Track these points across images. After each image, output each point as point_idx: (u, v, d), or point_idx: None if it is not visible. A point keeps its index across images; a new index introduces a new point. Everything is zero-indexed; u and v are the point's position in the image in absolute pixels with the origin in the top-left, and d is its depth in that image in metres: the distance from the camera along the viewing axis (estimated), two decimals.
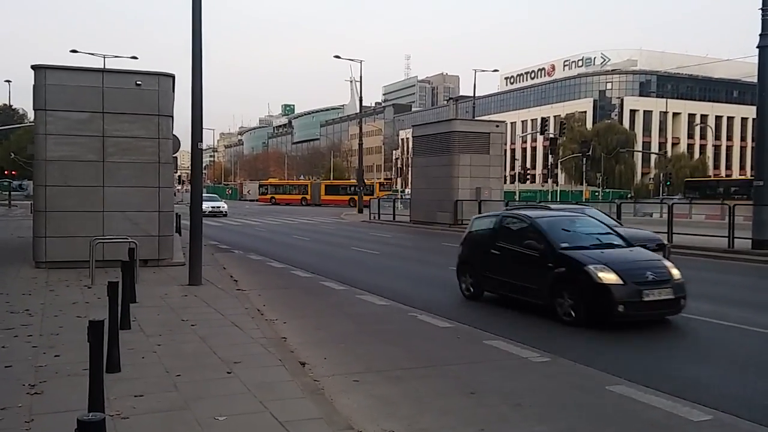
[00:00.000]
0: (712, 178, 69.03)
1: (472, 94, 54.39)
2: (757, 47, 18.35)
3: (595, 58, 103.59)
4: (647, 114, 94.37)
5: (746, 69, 76.38)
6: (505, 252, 10.36)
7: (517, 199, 46.95)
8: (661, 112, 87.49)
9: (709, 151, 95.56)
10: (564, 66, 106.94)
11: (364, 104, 59.77)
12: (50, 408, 5.15)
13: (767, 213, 17.92)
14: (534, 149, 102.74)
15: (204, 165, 18.48)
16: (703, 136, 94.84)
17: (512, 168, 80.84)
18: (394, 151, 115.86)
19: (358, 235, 26.68)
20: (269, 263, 16.63)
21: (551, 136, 58.27)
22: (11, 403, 5.19)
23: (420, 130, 35.28)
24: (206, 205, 39.30)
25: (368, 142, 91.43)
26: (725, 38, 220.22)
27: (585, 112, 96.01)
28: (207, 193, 48.75)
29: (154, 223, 14.18)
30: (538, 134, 76.98)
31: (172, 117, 14.71)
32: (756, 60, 18.66)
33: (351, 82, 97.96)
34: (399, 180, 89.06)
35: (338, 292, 12.10)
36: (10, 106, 74.61)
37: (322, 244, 23.06)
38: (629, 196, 68.25)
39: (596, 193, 68.79)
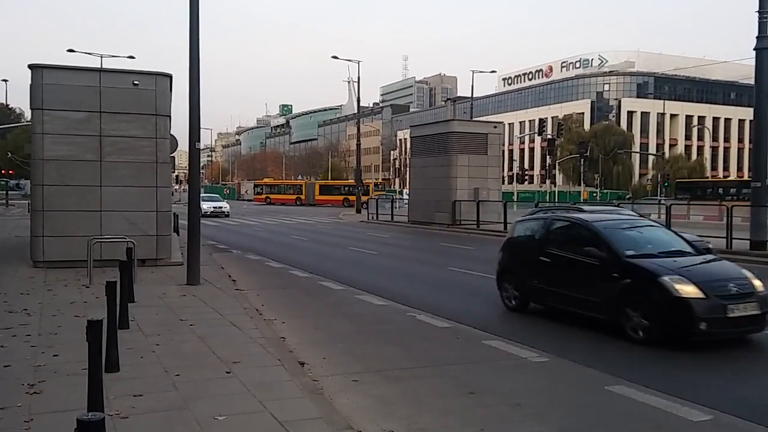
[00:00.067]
0: (702, 179, 69.11)
1: (469, 95, 54.35)
2: (754, 49, 18.39)
3: (592, 59, 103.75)
4: (645, 115, 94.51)
5: (743, 71, 76.48)
6: (557, 259, 9.34)
7: (516, 200, 46.98)
8: (658, 113, 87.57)
9: (707, 153, 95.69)
10: (562, 67, 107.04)
11: (361, 104, 59.69)
12: (49, 408, 5.14)
13: (765, 214, 18.01)
14: (532, 150, 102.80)
15: (202, 165, 18.44)
16: (700, 138, 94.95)
17: (510, 169, 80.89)
18: (392, 152, 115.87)
19: (356, 235, 26.67)
20: (267, 263, 16.62)
21: (549, 137, 58.33)
22: (10, 403, 5.18)
23: (418, 130, 35.30)
24: (208, 206, 39.15)
25: (366, 143, 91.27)
26: (723, 40, 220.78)
27: (583, 113, 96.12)
28: (205, 193, 48.62)
29: (152, 222, 14.16)
30: (535, 135, 76.94)
31: (170, 117, 14.70)
32: (753, 62, 18.71)
33: (349, 82, 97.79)
34: (397, 180, 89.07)
35: (337, 292, 12.10)
36: (7, 105, 74.46)
37: (320, 244, 23.05)
38: (627, 197, 68.30)
39: (594, 194, 68.91)
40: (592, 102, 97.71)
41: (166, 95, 14.44)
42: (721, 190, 47.93)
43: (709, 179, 73.80)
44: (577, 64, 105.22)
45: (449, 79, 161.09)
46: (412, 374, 6.67)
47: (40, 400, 5.32)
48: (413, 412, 5.54)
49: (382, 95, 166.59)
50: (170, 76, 14.61)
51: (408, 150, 49.68)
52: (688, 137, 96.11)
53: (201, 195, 14.01)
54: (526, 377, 6.67)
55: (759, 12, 18.05)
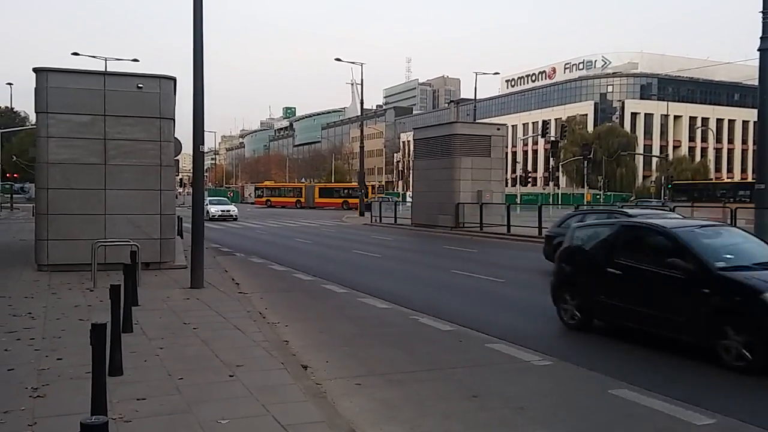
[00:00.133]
0: (698, 181, 69.03)
1: (473, 97, 54.44)
2: (758, 50, 18.31)
3: (596, 60, 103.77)
4: (648, 117, 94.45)
5: (747, 72, 76.44)
6: (630, 272, 8.21)
7: (519, 202, 46.93)
8: (662, 115, 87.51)
9: (711, 154, 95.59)
10: (565, 69, 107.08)
11: (365, 107, 59.75)
12: (53, 411, 5.15)
13: None
14: (535, 152, 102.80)
15: (205, 168, 18.47)
16: (704, 139, 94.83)
17: (513, 171, 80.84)
18: (395, 154, 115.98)
19: (359, 238, 26.68)
20: (271, 266, 16.63)
21: (552, 139, 58.22)
22: (14, 406, 5.20)
23: (421, 133, 35.33)
24: (216, 209, 39.02)
25: (369, 145, 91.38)
26: (726, 41, 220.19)
27: (586, 115, 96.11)
28: (209, 196, 48.57)
29: (156, 226, 14.19)
30: (539, 137, 76.86)
31: (174, 120, 14.74)
32: (757, 63, 18.66)
33: (352, 84, 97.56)
34: (400, 183, 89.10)
35: (340, 295, 12.10)
36: (12, 108, 74.77)
37: (323, 247, 23.06)
38: (631, 198, 68.21)
39: (598, 196, 68.86)
40: (595, 103, 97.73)
41: (170, 98, 14.48)
42: (719, 193, 47.88)
43: (705, 181, 73.73)
44: (580, 66, 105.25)
45: (452, 81, 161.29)
46: (415, 377, 6.67)
47: (43, 403, 5.34)
48: (416, 415, 5.53)
49: (385, 97, 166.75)
50: (174, 79, 14.65)
51: (411, 152, 49.70)
52: (691, 139, 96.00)
53: (209, 198, 14.03)
54: (529, 380, 6.65)
55: (763, 12, 17.98)
